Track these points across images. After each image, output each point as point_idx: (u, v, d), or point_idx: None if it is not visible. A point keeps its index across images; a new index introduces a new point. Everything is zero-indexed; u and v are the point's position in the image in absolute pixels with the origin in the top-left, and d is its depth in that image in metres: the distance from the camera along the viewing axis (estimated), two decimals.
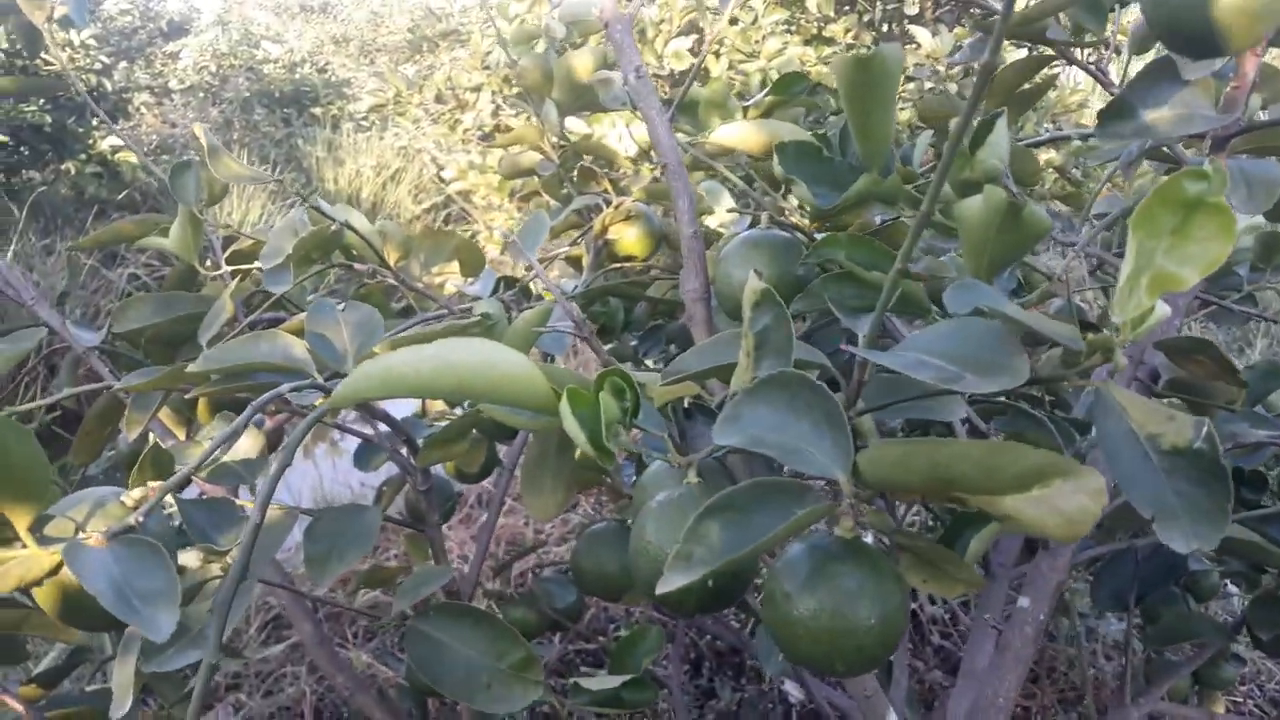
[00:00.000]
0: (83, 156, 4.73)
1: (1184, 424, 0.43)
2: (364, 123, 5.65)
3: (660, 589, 0.35)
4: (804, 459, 0.40)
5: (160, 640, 0.41)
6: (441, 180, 4.10)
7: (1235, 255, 1.16)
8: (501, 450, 1.08)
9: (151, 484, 0.53)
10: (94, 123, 4.68)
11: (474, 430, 0.87)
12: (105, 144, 4.78)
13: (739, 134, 0.71)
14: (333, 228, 0.73)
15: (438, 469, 1.16)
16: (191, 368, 0.67)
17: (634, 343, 1.14)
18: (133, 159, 4.71)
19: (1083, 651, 0.79)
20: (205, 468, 0.80)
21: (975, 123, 0.59)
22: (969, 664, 0.81)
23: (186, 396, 0.70)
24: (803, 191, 0.56)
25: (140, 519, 0.49)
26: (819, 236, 0.65)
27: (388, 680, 1.34)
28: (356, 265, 0.85)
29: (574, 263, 1.14)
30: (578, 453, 1.07)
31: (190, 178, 0.82)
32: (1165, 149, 0.71)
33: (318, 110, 6.21)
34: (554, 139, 1.05)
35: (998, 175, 0.55)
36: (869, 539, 0.40)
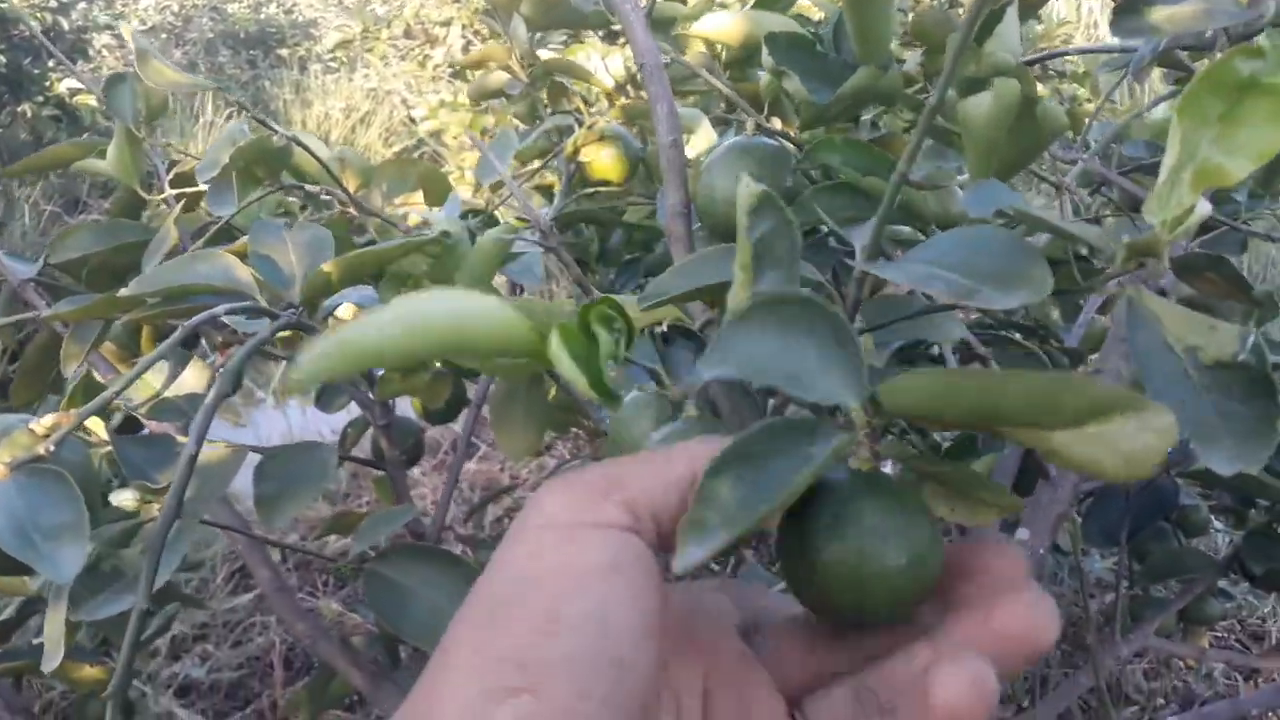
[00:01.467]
0: (40, 99, 4.55)
1: (1227, 335, 0.39)
2: (332, 64, 5.48)
3: (679, 569, 0.30)
4: (810, 386, 0.34)
5: (63, 580, 0.36)
6: (413, 121, 3.99)
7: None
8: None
9: (67, 411, 0.48)
10: (50, 64, 4.50)
11: (437, 363, 0.82)
12: (63, 86, 4.61)
13: (721, 25, 0.65)
14: (275, 139, 0.67)
15: (405, 409, 1.11)
16: (123, 292, 0.61)
17: (611, 277, 1.09)
18: (92, 102, 4.54)
19: (1084, 586, 0.76)
20: (149, 404, 0.75)
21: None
22: None
23: (117, 322, 0.64)
24: (795, 85, 0.50)
25: (51, 448, 0.44)
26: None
27: (357, 627, 1.31)
28: (308, 186, 0.79)
29: (547, 193, 1.08)
30: (552, 392, 1.02)
31: (126, 91, 0.76)
32: (1179, 53, 0.66)
33: (284, 52, 6.02)
34: (523, 58, 0.99)
35: (1009, 70, 0.50)
36: (888, 469, 0.35)
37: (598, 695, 0.26)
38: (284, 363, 0.87)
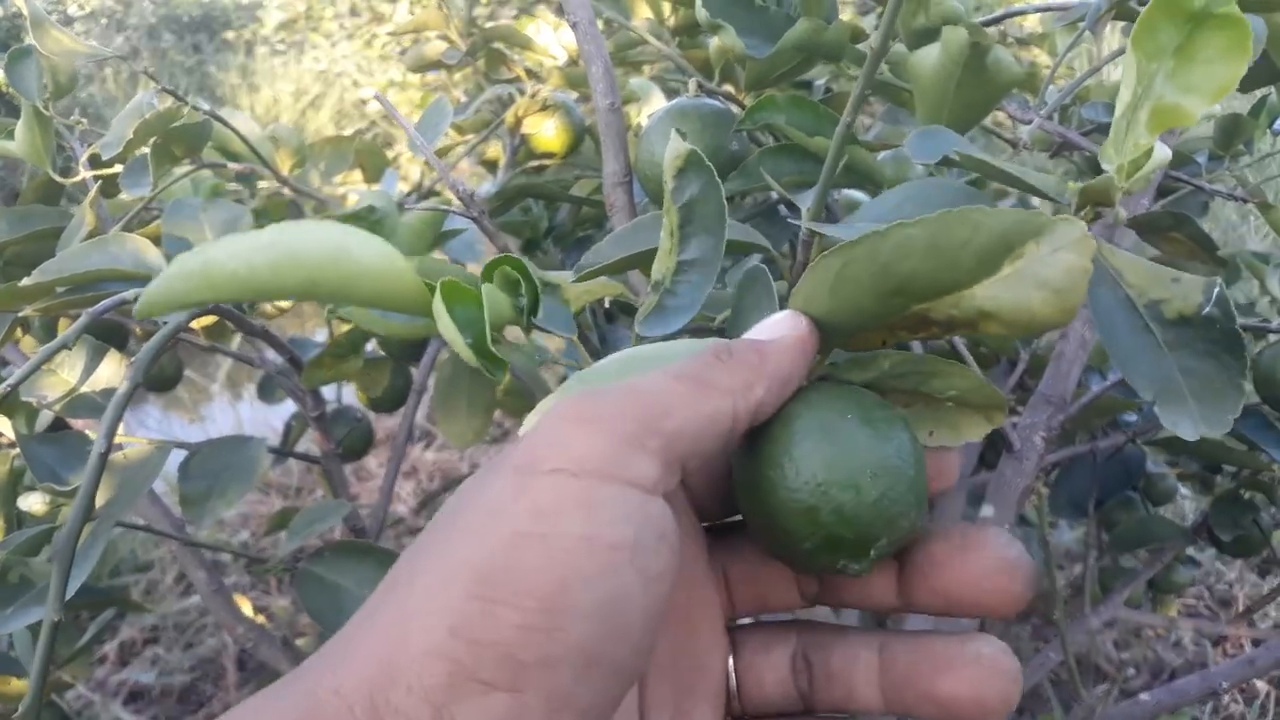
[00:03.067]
0: None
1: (1191, 287, 0.36)
2: (280, 47, 5.35)
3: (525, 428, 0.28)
4: (743, 327, 0.33)
5: None
6: (364, 103, 3.91)
7: (1194, 144, 1.10)
8: None
9: None
10: None
11: (373, 348, 0.78)
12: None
13: None
14: (185, 111, 0.63)
15: (350, 398, 1.07)
16: (26, 281, 0.57)
17: (560, 257, 1.05)
18: None
19: (1050, 560, 0.74)
20: (64, 400, 0.70)
21: None
22: None
23: (19, 315, 0.59)
24: (731, 39, 0.47)
25: None
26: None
27: (309, 626, 1.27)
28: (233, 165, 0.74)
29: (491, 167, 1.04)
30: (505, 379, 0.98)
31: (30, 66, 0.70)
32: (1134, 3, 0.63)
33: (230, 35, 5.88)
34: (461, 25, 0.94)
35: (958, 18, 0.47)
36: None
37: (581, 705, 0.22)
38: (227, 359, 0.83)
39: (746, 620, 0.33)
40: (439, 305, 0.32)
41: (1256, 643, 1.16)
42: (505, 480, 0.24)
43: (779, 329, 0.29)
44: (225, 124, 0.71)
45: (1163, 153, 0.39)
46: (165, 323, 0.56)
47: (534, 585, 0.22)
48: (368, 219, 0.58)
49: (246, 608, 0.97)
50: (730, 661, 0.32)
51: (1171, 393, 0.35)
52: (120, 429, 0.75)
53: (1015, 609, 0.29)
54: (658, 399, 0.26)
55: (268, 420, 2.08)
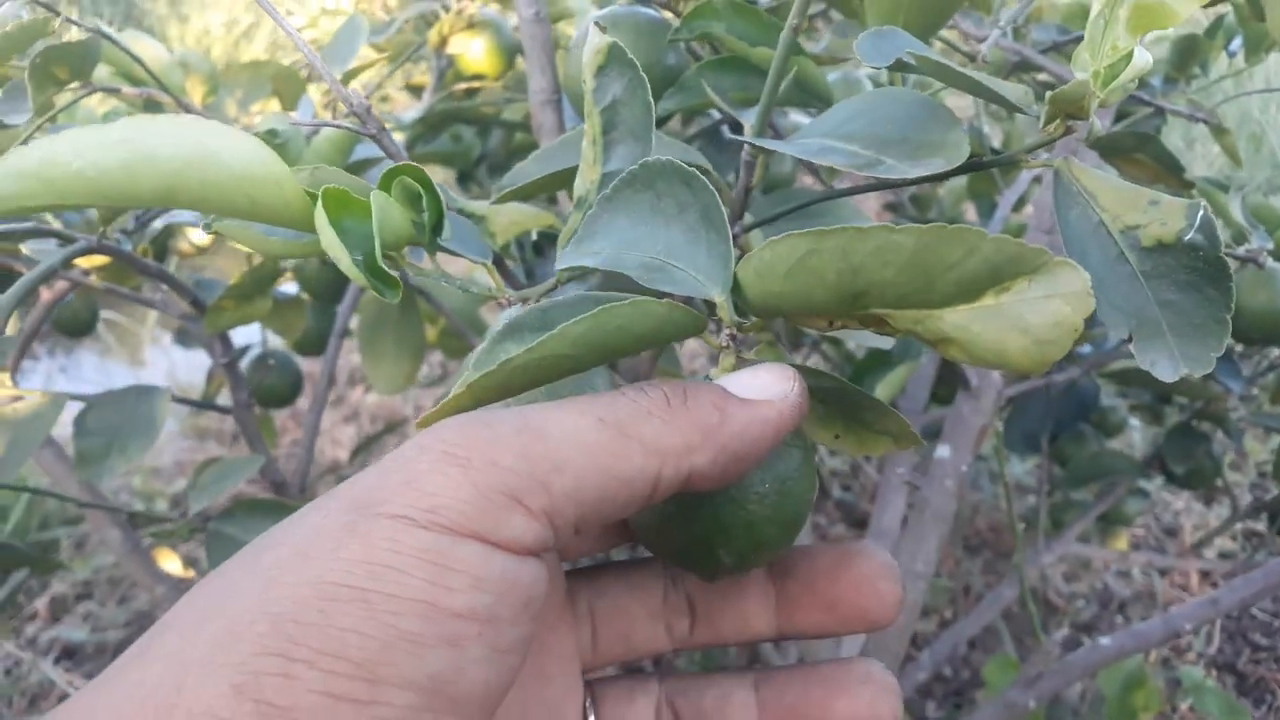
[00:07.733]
0: None
1: (1171, 211, 0.32)
2: None
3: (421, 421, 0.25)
4: (670, 277, 0.28)
5: None
6: (299, 30, 3.75)
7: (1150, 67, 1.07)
8: None
9: None
10: None
11: (282, 287, 0.72)
12: None
13: None
14: (53, 22, 0.56)
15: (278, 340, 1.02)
16: None
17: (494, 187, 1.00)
18: None
19: (1010, 496, 0.72)
20: None
21: None
22: (878, 523, 0.73)
23: None
24: None
25: None
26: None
27: None
28: (128, 90, 0.67)
29: (420, 92, 0.97)
30: (440, 324, 0.93)
31: None
32: None
33: None
34: None
35: None
36: None
37: None
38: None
39: (610, 673, 0.31)
40: (321, 215, 0.28)
41: (1204, 574, 1.16)
42: (334, 517, 0.20)
43: (765, 389, 0.25)
44: (114, 41, 0.64)
45: (1143, 59, 0.35)
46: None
47: (348, 647, 0.18)
48: (269, 144, 0.53)
49: (175, 562, 0.92)
50: (591, 717, 0.29)
51: (1149, 327, 0.32)
52: (21, 382, 0.69)
53: (894, 617, 0.29)
54: (558, 445, 0.21)
55: (206, 368, 2.01)
